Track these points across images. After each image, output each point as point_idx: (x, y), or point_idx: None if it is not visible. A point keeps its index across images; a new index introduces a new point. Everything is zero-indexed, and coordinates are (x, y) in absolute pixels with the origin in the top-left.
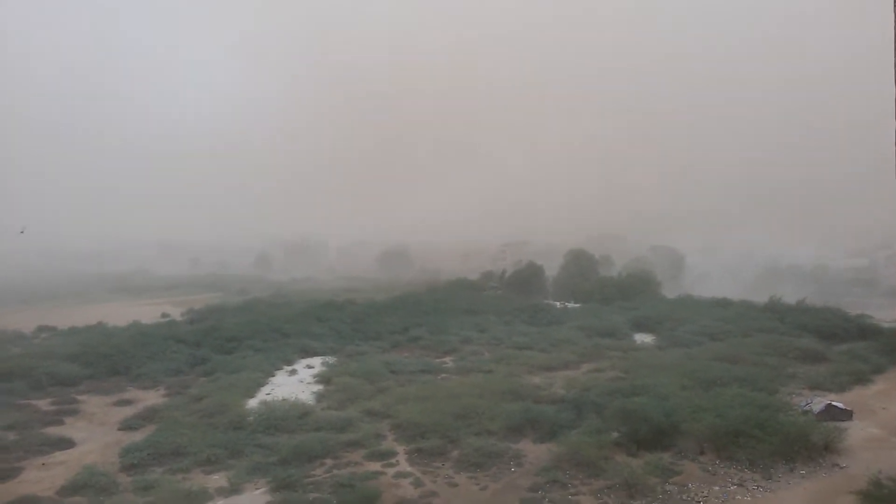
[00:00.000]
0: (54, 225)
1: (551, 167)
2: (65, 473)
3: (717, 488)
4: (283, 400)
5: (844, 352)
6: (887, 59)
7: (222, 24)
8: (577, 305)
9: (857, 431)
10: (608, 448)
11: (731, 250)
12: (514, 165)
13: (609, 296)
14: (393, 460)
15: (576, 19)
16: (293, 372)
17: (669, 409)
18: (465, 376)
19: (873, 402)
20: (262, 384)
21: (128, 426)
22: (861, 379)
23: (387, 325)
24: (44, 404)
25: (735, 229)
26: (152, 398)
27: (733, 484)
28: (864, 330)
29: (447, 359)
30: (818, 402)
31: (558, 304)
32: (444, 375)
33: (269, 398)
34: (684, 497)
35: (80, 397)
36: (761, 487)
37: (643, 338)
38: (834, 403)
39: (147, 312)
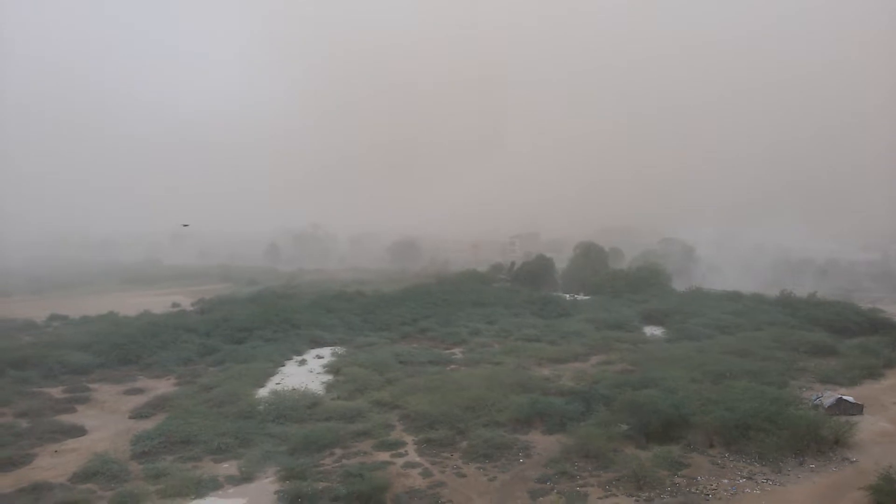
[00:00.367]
0: (66, 215)
1: (562, 159)
2: (77, 460)
3: (725, 481)
4: (293, 390)
5: (856, 346)
6: None
7: (238, 16)
8: (587, 298)
9: (867, 426)
10: (617, 440)
11: (743, 243)
12: (524, 158)
13: (619, 288)
14: (402, 451)
15: (593, 7)
16: (303, 362)
17: (679, 401)
18: (474, 368)
19: (884, 397)
20: (271, 374)
21: (139, 414)
22: (872, 373)
23: (396, 316)
24: (56, 392)
25: (747, 222)
26: (163, 387)
27: (742, 477)
28: (876, 324)
29: (456, 350)
30: (829, 396)
31: (568, 296)
32: (452, 367)
33: (278, 388)
34: (693, 490)
35: (91, 385)
36: (770, 481)
37: (653, 330)
38: (844, 397)
39: (158, 302)
